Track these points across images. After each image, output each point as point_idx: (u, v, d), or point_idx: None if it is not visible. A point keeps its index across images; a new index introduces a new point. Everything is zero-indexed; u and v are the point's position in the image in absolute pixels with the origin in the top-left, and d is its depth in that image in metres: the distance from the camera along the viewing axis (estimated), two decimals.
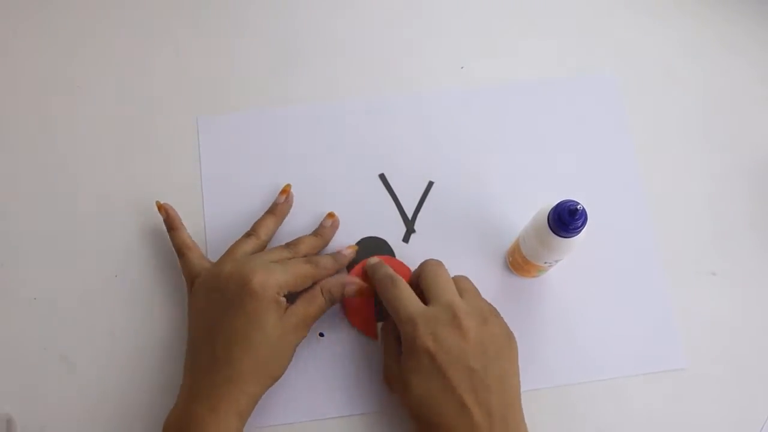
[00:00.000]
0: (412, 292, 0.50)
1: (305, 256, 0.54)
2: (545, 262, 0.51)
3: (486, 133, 0.60)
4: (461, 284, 0.51)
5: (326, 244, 0.56)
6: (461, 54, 0.63)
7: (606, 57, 0.63)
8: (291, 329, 0.49)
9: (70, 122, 0.61)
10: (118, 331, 0.55)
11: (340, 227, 0.57)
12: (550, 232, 0.45)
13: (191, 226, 0.57)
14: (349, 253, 0.55)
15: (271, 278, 0.49)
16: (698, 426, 0.54)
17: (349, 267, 0.56)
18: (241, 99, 0.61)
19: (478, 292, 0.52)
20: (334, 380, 0.54)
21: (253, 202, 0.58)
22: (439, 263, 0.52)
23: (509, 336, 0.50)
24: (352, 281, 0.52)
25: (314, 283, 0.52)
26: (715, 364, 0.55)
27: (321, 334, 0.55)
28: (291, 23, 0.63)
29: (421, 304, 0.49)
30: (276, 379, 0.50)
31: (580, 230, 0.45)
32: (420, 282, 0.51)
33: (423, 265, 0.52)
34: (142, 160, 0.60)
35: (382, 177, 0.59)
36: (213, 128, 0.60)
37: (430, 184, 0.58)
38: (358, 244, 0.57)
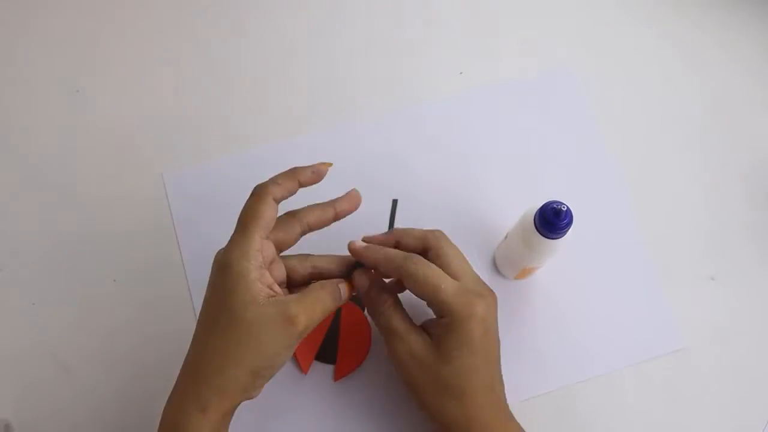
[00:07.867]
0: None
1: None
2: (533, 264, 0.52)
3: (470, 138, 0.61)
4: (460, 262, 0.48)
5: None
6: (461, 60, 0.63)
7: (601, 61, 0.63)
8: (273, 317, 0.41)
9: (69, 127, 0.62)
10: (116, 336, 0.56)
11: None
12: (537, 233, 0.46)
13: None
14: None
15: (234, 245, 0.42)
16: (697, 428, 0.54)
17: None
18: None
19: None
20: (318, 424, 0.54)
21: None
22: (446, 238, 0.49)
23: None
24: (343, 281, 0.47)
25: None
26: (714, 368, 0.55)
27: None
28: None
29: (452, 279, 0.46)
30: (256, 374, 0.42)
31: (566, 231, 0.46)
32: (439, 257, 0.47)
33: (437, 241, 0.48)
34: (135, 173, 0.60)
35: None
36: (179, 181, 0.60)
37: (395, 202, 0.51)
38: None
